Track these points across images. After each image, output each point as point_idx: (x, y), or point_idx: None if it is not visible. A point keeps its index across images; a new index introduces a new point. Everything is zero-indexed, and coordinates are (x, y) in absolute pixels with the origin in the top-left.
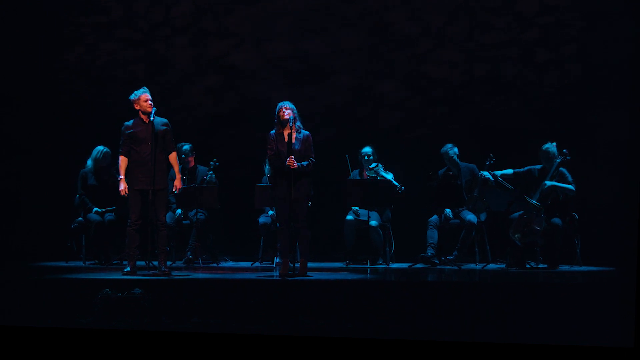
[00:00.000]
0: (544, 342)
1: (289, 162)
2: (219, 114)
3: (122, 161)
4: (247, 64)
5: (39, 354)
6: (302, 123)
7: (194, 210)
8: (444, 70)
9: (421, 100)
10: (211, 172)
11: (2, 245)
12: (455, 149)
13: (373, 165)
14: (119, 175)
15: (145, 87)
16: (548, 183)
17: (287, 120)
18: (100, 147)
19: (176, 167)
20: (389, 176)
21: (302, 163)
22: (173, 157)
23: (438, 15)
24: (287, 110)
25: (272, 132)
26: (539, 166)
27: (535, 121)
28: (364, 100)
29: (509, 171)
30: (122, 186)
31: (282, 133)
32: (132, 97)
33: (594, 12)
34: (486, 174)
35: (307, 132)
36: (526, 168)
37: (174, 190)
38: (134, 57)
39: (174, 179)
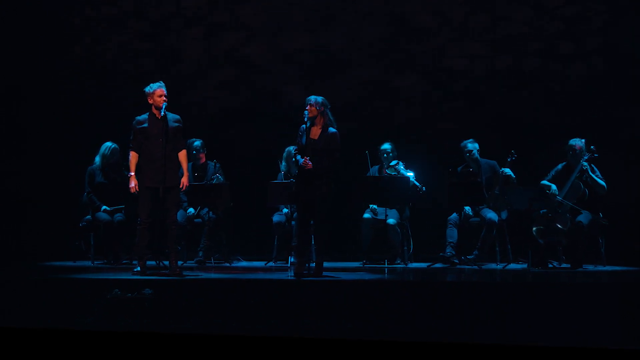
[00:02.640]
0: (565, 345)
1: (304, 163)
2: (231, 108)
3: (133, 157)
4: (261, 57)
5: (45, 356)
6: (334, 120)
7: (206, 209)
8: (464, 63)
9: (441, 94)
10: (217, 174)
11: (8, 244)
12: (476, 145)
13: (394, 162)
14: (128, 171)
15: (161, 82)
16: (585, 163)
17: (310, 117)
18: (108, 143)
19: (185, 165)
20: (410, 175)
21: (321, 165)
22: (183, 154)
23: (459, 6)
24: (309, 107)
25: (304, 126)
26: (561, 165)
27: (559, 116)
28: (382, 95)
29: (551, 185)
30: (133, 183)
31: (309, 128)
32: (147, 89)
33: (618, 4)
34: (507, 170)
35: (334, 130)
36: (552, 171)
37: (180, 187)
38: (143, 50)
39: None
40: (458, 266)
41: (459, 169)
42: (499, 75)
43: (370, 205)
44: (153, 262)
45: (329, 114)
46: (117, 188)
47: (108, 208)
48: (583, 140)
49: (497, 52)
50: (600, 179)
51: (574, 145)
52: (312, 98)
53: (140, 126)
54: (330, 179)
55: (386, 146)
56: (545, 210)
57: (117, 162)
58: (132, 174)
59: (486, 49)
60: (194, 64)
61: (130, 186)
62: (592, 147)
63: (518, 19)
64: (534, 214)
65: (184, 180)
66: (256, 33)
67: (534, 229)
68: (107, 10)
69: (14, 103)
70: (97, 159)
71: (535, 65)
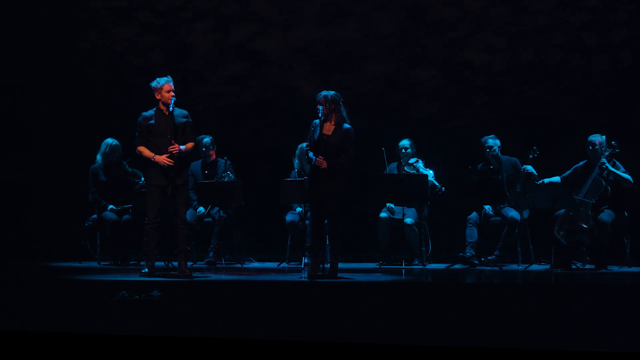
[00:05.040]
0: (588, 349)
1: (317, 162)
2: (242, 104)
3: (143, 149)
4: (273, 51)
5: None
6: (347, 115)
7: (217, 207)
8: (484, 56)
9: (459, 89)
10: (228, 172)
11: (12, 244)
12: (497, 141)
13: (412, 160)
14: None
15: (169, 77)
16: (605, 161)
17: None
18: (108, 140)
19: (186, 147)
20: (430, 174)
21: (335, 162)
22: (189, 145)
23: None
24: (319, 105)
25: (316, 121)
26: (582, 162)
27: (583, 111)
28: (398, 89)
29: (556, 179)
30: (161, 157)
31: (322, 124)
32: (153, 84)
33: None
34: (529, 168)
35: (349, 126)
36: (571, 169)
37: (170, 150)
38: (151, 43)
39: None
40: (478, 267)
41: (479, 166)
42: (520, 70)
43: (387, 204)
44: (161, 263)
45: (342, 108)
46: (121, 186)
47: (115, 207)
48: (604, 137)
49: (518, 45)
50: (625, 172)
51: (593, 141)
52: (322, 95)
53: (147, 122)
54: (345, 176)
55: (404, 142)
56: (563, 211)
57: (119, 159)
58: (154, 155)
59: (507, 42)
60: (204, 58)
61: (166, 156)
62: (613, 142)
63: (540, 10)
64: (554, 214)
65: (175, 146)
66: (268, 26)
67: (555, 229)
68: (114, 2)
69: (18, 99)
70: (99, 157)
71: (558, 59)
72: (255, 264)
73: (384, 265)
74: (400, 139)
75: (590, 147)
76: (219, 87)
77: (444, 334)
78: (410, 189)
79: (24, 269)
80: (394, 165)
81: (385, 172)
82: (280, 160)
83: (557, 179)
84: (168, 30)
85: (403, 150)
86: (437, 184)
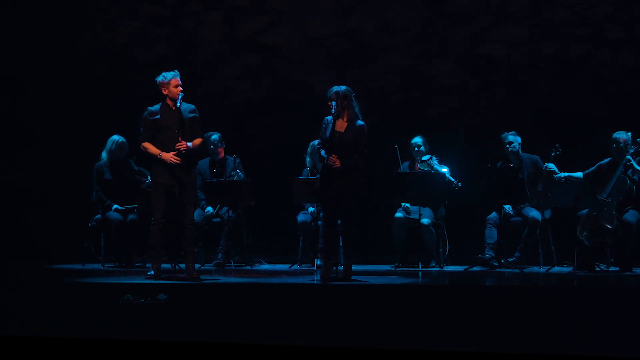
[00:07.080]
0: (613, 355)
1: (330, 161)
2: (252, 99)
3: (148, 146)
4: (285, 44)
5: None
6: (359, 110)
7: (226, 207)
8: (504, 50)
9: (479, 84)
10: (237, 170)
11: (12, 244)
12: (518, 138)
13: (426, 157)
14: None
15: (176, 71)
16: (630, 158)
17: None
18: (114, 137)
19: (194, 144)
20: (445, 171)
21: (349, 161)
22: (197, 142)
23: None
24: (332, 101)
25: (329, 117)
26: (606, 160)
27: (607, 107)
28: (415, 84)
29: (578, 174)
30: (169, 154)
31: (334, 121)
32: (159, 79)
33: None
34: (551, 166)
35: (362, 123)
36: (595, 166)
37: (177, 147)
38: (157, 36)
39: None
40: (498, 269)
41: (499, 164)
42: (542, 63)
43: (403, 204)
44: (168, 265)
45: (355, 104)
46: (126, 185)
47: (120, 207)
48: (629, 134)
49: (540, 38)
50: None
51: (618, 139)
52: (334, 90)
53: (153, 118)
54: (360, 173)
55: (417, 139)
56: (586, 211)
57: (125, 157)
58: (160, 152)
59: (528, 34)
60: (213, 52)
61: (172, 154)
62: (638, 139)
63: (562, 2)
64: (577, 214)
65: (182, 144)
66: (280, 17)
67: (579, 229)
68: None
69: (19, 98)
70: (104, 154)
71: (582, 52)
72: (266, 266)
73: (400, 267)
74: (414, 136)
75: (615, 145)
76: (228, 82)
77: (461, 338)
78: (426, 188)
79: (24, 270)
80: (407, 164)
81: (398, 171)
82: (291, 158)
83: (579, 174)
84: (175, 23)
85: (415, 149)
86: (452, 179)
